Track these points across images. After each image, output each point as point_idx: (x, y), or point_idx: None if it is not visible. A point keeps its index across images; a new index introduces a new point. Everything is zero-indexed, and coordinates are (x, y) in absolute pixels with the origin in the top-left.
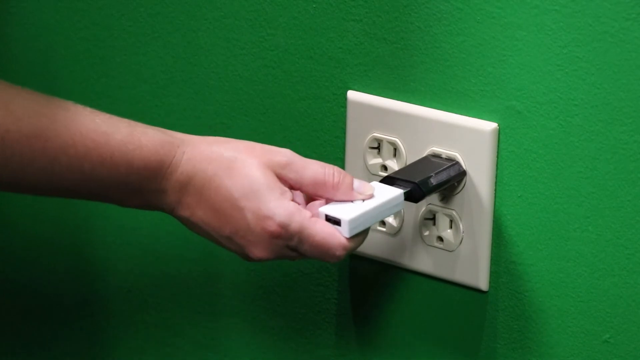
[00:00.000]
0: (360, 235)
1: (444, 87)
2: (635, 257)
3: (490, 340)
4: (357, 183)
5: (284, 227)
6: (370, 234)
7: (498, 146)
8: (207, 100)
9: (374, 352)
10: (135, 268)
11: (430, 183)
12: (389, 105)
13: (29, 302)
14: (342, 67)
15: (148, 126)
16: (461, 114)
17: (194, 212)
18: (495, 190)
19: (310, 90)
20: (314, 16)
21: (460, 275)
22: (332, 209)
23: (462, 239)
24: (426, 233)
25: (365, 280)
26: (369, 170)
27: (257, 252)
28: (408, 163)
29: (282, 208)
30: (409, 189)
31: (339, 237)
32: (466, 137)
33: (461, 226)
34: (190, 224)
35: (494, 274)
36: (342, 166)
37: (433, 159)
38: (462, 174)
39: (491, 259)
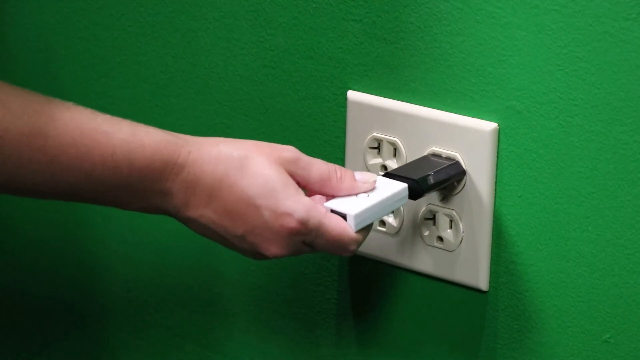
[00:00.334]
0: (367, 229)
1: (444, 87)
2: (635, 257)
3: (490, 340)
4: (358, 175)
5: (303, 223)
6: (370, 234)
7: (498, 146)
8: (207, 100)
9: (374, 352)
10: (135, 268)
11: (429, 180)
12: (389, 105)
13: (29, 302)
14: (342, 67)
15: (150, 127)
16: (461, 114)
17: (203, 212)
18: (495, 190)
19: (310, 90)
20: (314, 16)
21: (460, 275)
22: (338, 204)
23: (462, 239)
24: (426, 233)
25: (365, 280)
26: (369, 170)
27: (273, 249)
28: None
29: (300, 204)
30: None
31: (351, 232)
32: (466, 137)
33: (461, 226)
34: (197, 225)
35: (494, 274)
36: (342, 166)
37: (433, 158)
38: (462, 173)
39: (491, 259)
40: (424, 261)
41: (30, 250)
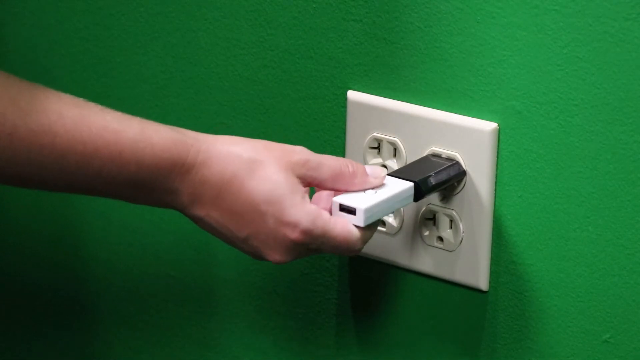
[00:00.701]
0: (374, 226)
1: (444, 87)
2: (635, 257)
3: (490, 340)
4: (369, 169)
5: (307, 233)
6: None
7: (498, 146)
8: (207, 100)
9: (374, 352)
10: (135, 268)
11: (429, 182)
12: (389, 105)
13: (29, 302)
14: (342, 67)
15: (161, 124)
16: (461, 114)
17: (209, 212)
18: (495, 190)
19: (310, 90)
20: (314, 16)
21: (460, 275)
22: (347, 199)
23: (462, 239)
24: (426, 233)
25: (365, 280)
26: None
27: (276, 255)
28: (408, 163)
29: (304, 213)
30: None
31: (356, 233)
32: (466, 137)
33: (461, 226)
34: (203, 223)
35: (494, 274)
36: None
37: (433, 159)
38: (462, 173)
39: (491, 259)
40: (424, 261)
41: (31, 249)
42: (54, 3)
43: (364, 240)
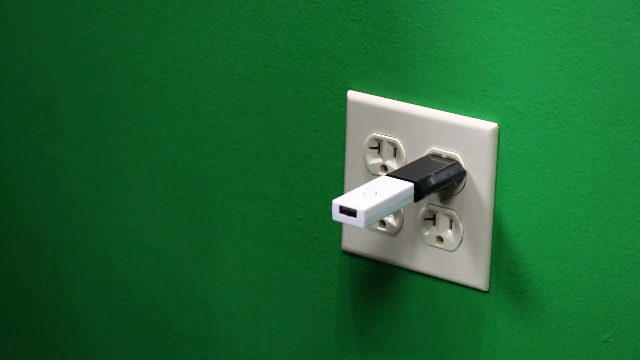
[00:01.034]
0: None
1: (444, 87)
2: (635, 257)
3: (490, 340)
4: None
5: None
6: (370, 234)
7: (498, 146)
8: (207, 100)
9: (374, 352)
10: (135, 268)
11: (429, 182)
12: (389, 105)
13: (29, 301)
14: (342, 67)
15: None
16: (461, 114)
17: None
18: (495, 190)
19: (310, 90)
20: (314, 16)
21: (460, 275)
22: (346, 201)
23: (462, 239)
24: (426, 233)
25: (365, 280)
26: (369, 170)
27: None
28: (408, 163)
29: None
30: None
31: None
32: (466, 137)
33: (461, 226)
34: None
35: (494, 274)
36: (342, 166)
37: (433, 159)
38: (462, 173)
39: (491, 259)
40: (424, 261)
41: (30, 249)
42: (54, 3)
43: None
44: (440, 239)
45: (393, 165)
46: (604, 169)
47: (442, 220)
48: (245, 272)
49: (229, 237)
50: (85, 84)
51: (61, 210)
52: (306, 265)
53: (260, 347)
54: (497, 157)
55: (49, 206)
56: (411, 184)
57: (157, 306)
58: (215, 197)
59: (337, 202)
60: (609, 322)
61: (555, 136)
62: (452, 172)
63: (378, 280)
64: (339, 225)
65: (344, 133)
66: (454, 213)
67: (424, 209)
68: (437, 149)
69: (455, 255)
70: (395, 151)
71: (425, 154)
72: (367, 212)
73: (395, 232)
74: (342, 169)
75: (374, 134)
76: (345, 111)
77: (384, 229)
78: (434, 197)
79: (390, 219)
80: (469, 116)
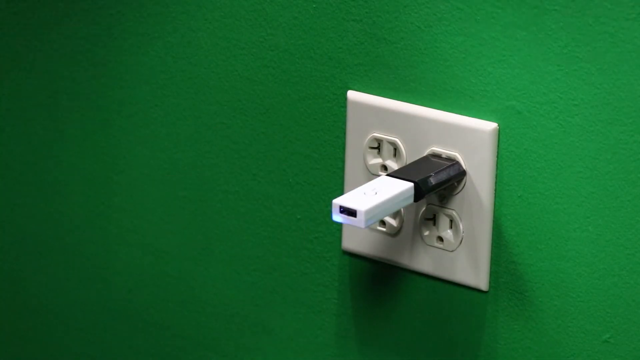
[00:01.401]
0: None
1: (444, 87)
2: (635, 257)
3: (490, 340)
4: None
5: None
6: (370, 234)
7: (498, 146)
8: (207, 100)
9: (374, 352)
10: (135, 268)
11: (429, 182)
12: (389, 105)
13: (29, 301)
14: (342, 67)
15: None
16: (461, 114)
17: None
18: (495, 190)
19: (310, 90)
20: (314, 16)
21: (460, 275)
22: (347, 201)
23: (462, 239)
24: (426, 233)
25: (365, 280)
26: (369, 170)
27: None
28: (408, 163)
29: None
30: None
31: None
32: (466, 137)
33: (461, 226)
34: None
35: (494, 274)
36: (342, 166)
37: (433, 159)
38: (462, 173)
39: (491, 259)
40: (424, 261)
41: (30, 249)
42: (54, 3)
43: None
44: (440, 239)
45: (393, 165)
46: (604, 169)
47: (442, 221)
48: (245, 272)
49: (229, 237)
50: (85, 84)
51: (61, 210)
52: (306, 265)
53: (260, 347)
54: (497, 157)
55: (49, 206)
56: (411, 184)
57: (157, 306)
58: (215, 197)
59: (337, 202)
60: (609, 322)
61: (555, 136)
62: (452, 172)
63: (378, 280)
64: (339, 225)
65: (344, 133)
66: (454, 213)
67: (424, 209)
68: (437, 149)
69: (455, 255)
70: (395, 151)
71: (425, 154)
72: (367, 212)
73: (395, 232)
74: (342, 169)
75: (374, 134)
76: (345, 111)
77: (384, 229)
78: (434, 197)
79: (390, 219)
80: (469, 116)
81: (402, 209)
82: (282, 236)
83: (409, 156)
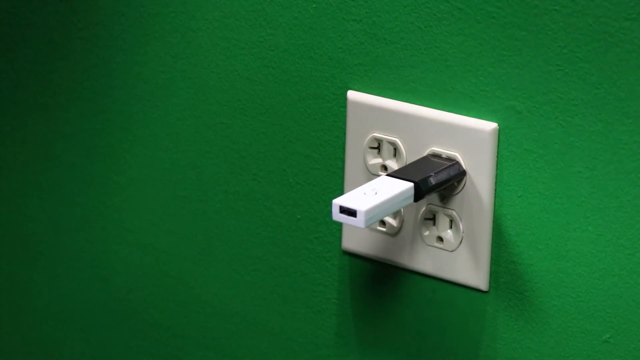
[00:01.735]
0: None
1: (444, 87)
2: (635, 257)
3: (490, 340)
4: None
5: None
6: (370, 234)
7: (498, 146)
8: (207, 100)
9: (374, 352)
10: (135, 268)
11: (429, 182)
12: (389, 105)
13: (29, 301)
14: (342, 67)
15: None
16: (461, 114)
17: None
18: (495, 190)
19: (310, 90)
20: (314, 16)
21: (460, 275)
22: (346, 201)
23: (462, 239)
24: (426, 233)
25: (365, 280)
26: (369, 170)
27: None
28: (408, 163)
29: None
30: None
31: None
32: (466, 137)
33: (461, 226)
34: None
35: (494, 274)
36: (342, 166)
37: (433, 159)
38: (462, 173)
39: (491, 259)
40: (424, 261)
41: (30, 249)
42: (54, 3)
43: None
44: (440, 239)
45: (393, 165)
46: (604, 169)
47: (442, 220)
48: (245, 272)
49: (229, 237)
50: (85, 84)
51: (61, 210)
52: (306, 265)
53: (260, 347)
54: (497, 157)
55: (49, 206)
56: (411, 184)
57: (157, 306)
58: (215, 197)
59: (337, 202)
60: (609, 322)
61: (555, 136)
62: (452, 172)
63: (378, 280)
64: (339, 225)
65: (344, 133)
66: (454, 213)
67: (424, 209)
68: (437, 149)
69: (455, 255)
70: (395, 151)
71: (425, 154)
72: (367, 212)
73: (395, 232)
74: (342, 169)
75: (374, 134)
76: (345, 111)
77: (384, 229)
78: (434, 197)
79: (390, 219)
80: (469, 116)
81: (402, 209)
82: (282, 236)
83: (409, 156)
